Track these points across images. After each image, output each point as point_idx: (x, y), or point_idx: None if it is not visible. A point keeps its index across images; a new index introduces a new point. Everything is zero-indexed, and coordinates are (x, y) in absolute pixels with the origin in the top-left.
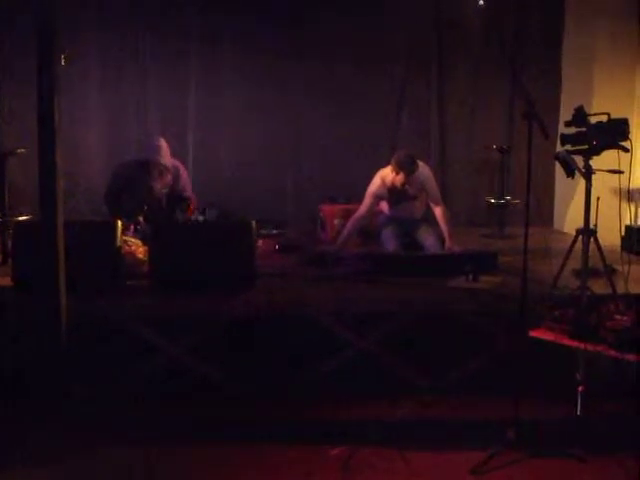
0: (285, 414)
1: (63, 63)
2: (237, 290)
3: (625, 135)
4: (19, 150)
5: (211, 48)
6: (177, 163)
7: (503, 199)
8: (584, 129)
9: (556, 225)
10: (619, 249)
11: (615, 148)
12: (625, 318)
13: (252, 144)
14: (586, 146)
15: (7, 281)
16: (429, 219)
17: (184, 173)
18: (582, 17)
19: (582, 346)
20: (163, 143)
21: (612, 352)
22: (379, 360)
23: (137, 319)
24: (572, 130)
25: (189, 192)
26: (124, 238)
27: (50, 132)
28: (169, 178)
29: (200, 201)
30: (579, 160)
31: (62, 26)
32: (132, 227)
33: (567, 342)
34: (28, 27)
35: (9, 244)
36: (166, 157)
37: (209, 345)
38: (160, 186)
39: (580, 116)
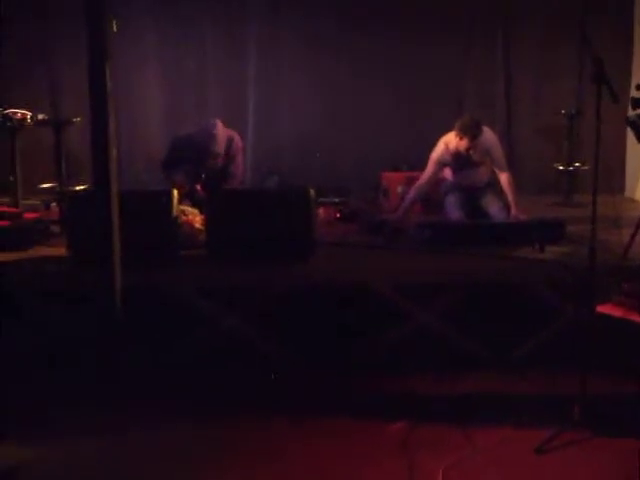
0: (344, 388)
1: (115, 29)
2: (296, 259)
3: None
4: (75, 119)
5: (271, 14)
6: (232, 133)
7: (572, 166)
8: None
9: (627, 193)
10: None
11: None
12: None
13: (314, 111)
14: None
15: (64, 251)
16: (494, 186)
17: (238, 144)
18: None
19: None
20: (219, 130)
21: None
22: (442, 332)
23: (193, 289)
24: None
25: (238, 164)
26: (181, 207)
27: (102, 100)
28: (220, 159)
29: (260, 168)
30: None
31: None
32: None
33: (636, 319)
34: None
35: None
36: (221, 143)
37: (267, 315)
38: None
39: None
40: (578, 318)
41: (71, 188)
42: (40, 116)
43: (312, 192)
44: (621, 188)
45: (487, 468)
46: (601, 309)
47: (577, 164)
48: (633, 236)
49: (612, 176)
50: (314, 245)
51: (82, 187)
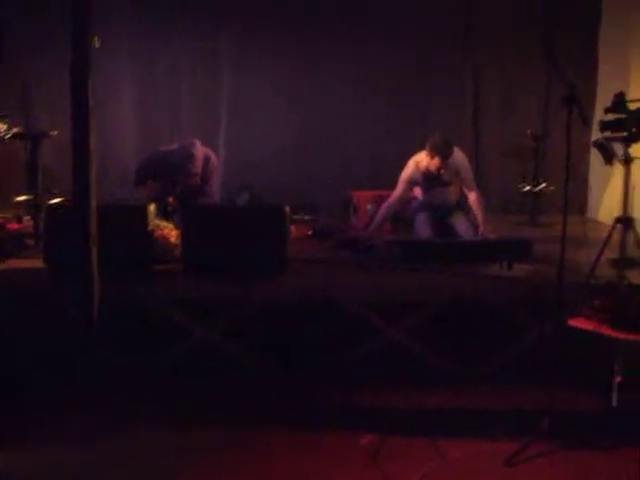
0: (315, 400)
1: (96, 45)
2: (269, 275)
3: None
4: (52, 132)
5: (243, 30)
6: (209, 153)
7: (537, 187)
8: (623, 116)
9: (590, 214)
10: None
11: None
12: None
13: (285, 128)
14: (625, 133)
15: (39, 263)
16: (463, 205)
17: (215, 163)
18: (619, 2)
19: (622, 336)
20: (198, 150)
21: None
22: (411, 348)
23: (169, 303)
24: (611, 117)
25: (213, 183)
26: (156, 222)
27: (84, 115)
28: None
29: (231, 185)
30: (617, 147)
31: (95, 6)
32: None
33: (607, 332)
34: (62, 8)
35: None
36: (199, 163)
37: (240, 329)
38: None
39: (620, 102)
40: (546, 332)
41: (46, 201)
42: (15, 129)
43: (287, 209)
44: (584, 209)
45: None
46: (572, 322)
47: (542, 185)
48: (599, 255)
49: (576, 197)
50: (287, 261)
51: (56, 200)
